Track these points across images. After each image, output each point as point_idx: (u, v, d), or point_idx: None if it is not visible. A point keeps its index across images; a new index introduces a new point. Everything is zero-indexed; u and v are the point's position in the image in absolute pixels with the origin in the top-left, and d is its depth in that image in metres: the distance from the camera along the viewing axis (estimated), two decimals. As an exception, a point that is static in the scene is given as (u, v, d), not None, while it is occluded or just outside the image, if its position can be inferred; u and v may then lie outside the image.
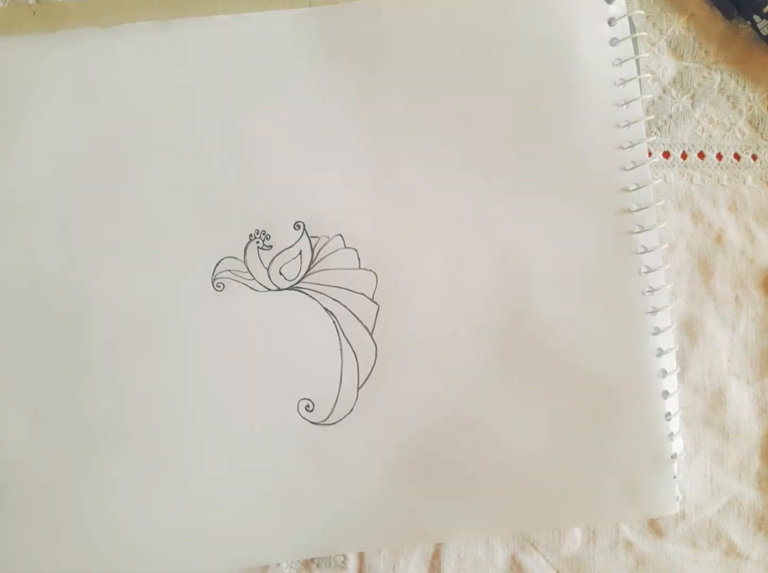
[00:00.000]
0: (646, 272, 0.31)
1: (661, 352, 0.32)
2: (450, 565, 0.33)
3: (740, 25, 0.35)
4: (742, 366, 0.35)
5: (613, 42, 0.32)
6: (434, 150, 0.31)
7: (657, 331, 0.32)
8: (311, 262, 0.30)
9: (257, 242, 0.30)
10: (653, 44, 0.34)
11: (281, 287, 0.30)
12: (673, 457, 0.32)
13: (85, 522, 0.30)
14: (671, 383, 0.32)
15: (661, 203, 0.32)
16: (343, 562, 0.32)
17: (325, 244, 0.30)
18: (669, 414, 0.32)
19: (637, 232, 0.31)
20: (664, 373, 0.32)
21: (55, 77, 0.30)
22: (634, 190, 0.31)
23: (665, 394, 0.31)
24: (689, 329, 0.34)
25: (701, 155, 0.35)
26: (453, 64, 0.31)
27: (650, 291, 0.32)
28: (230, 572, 0.31)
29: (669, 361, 0.32)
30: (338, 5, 0.31)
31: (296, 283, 0.30)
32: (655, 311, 0.31)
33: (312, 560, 0.32)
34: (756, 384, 0.35)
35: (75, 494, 0.30)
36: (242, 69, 0.30)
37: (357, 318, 0.30)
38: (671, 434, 0.31)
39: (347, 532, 0.31)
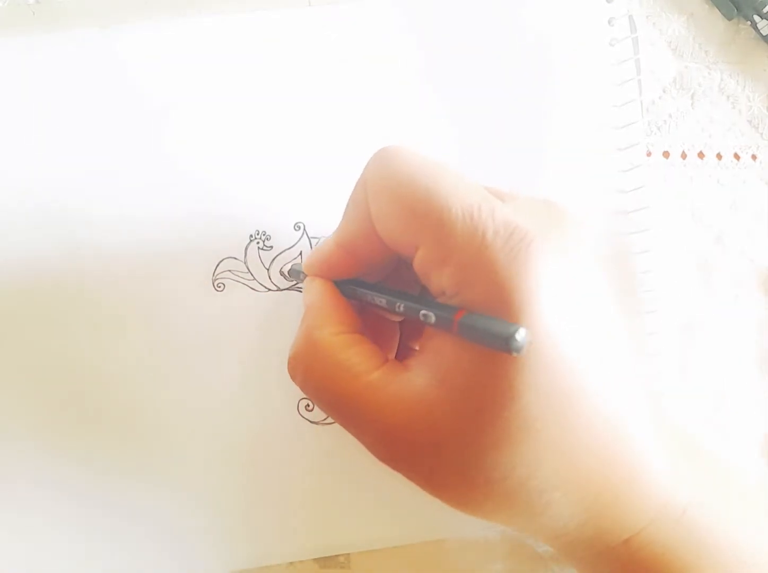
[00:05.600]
0: (643, 273, 0.32)
1: (656, 353, 0.32)
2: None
3: (740, 25, 0.35)
4: (742, 366, 0.35)
5: (613, 42, 0.32)
6: (434, 150, 0.31)
7: (654, 332, 0.32)
8: (311, 262, 0.30)
9: (257, 243, 0.30)
10: (653, 44, 0.34)
11: (281, 287, 0.30)
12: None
13: (87, 517, 0.30)
14: (667, 384, 0.32)
15: (659, 204, 0.32)
16: (344, 562, 0.32)
17: (325, 245, 0.30)
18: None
19: (635, 233, 0.32)
20: (659, 373, 0.32)
21: (54, 77, 0.30)
22: (631, 191, 0.32)
23: (661, 394, 0.32)
24: (689, 329, 0.34)
25: (701, 155, 0.35)
26: (451, 64, 0.31)
27: (647, 291, 0.32)
28: (229, 572, 0.31)
29: (665, 362, 0.32)
30: (338, 5, 0.31)
31: (296, 284, 0.30)
32: (651, 312, 0.32)
33: (313, 560, 0.32)
34: (756, 384, 0.35)
35: (75, 493, 0.30)
36: (242, 69, 0.30)
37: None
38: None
39: (348, 532, 0.31)
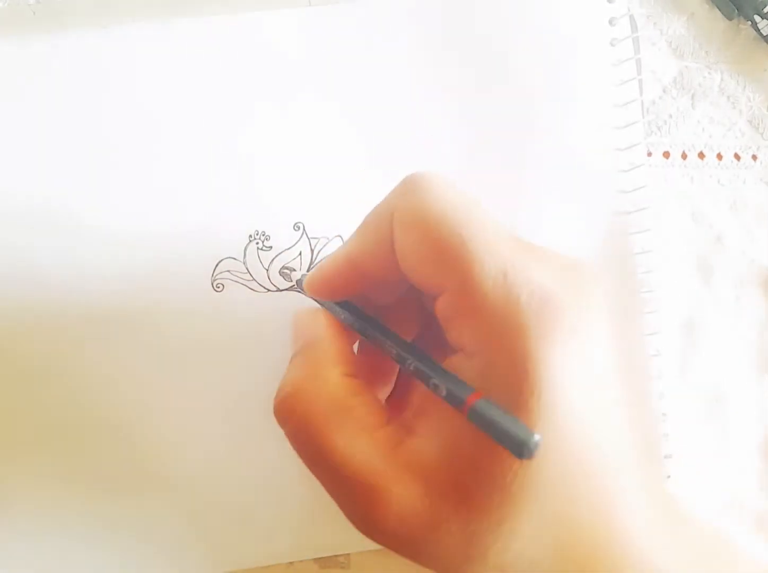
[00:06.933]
0: (643, 273, 0.32)
1: (658, 353, 0.32)
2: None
3: (740, 25, 0.35)
4: (741, 366, 0.35)
5: (614, 42, 0.31)
6: (434, 151, 0.31)
7: (653, 332, 0.32)
8: (311, 263, 0.30)
9: (257, 243, 0.30)
10: (653, 44, 0.34)
11: (281, 288, 0.30)
12: (668, 457, 0.32)
13: (85, 517, 0.30)
14: (667, 384, 0.32)
15: (659, 204, 0.32)
16: (343, 562, 0.32)
17: (324, 245, 0.30)
18: (664, 414, 0.32)
19: (635, 233, 0.31)
20: (660, 373, 0.32)
21: (54, 77, 0.29)
22: (631, 191, 0.32)
23: (661, 395, 0.32)
24: (689, 329, 0.34)
25: (701, 155, 0.35)
26: (452, 64, 0.31)
27: (647, 291, 0.32)
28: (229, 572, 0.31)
29: (666, 362, 0.32)
30: (338, 4, 0.31)
31: (296, 285, 0.30)
32: (651, 312, 0.32)
33: (313, 560, 0.32)
34: (756, 384, 0.35)
35: (72, 493, 0.30)
36: (242, 69, 0.30)
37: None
38: (666, 435, 0.32)
39: (348, 532, 0.31)
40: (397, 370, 0.26)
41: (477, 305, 0.19)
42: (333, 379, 0.21)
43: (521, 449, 0.17)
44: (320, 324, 0.23)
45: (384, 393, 0.26)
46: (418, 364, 0.21)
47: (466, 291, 0.19)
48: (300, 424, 0.21)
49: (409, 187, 0.21)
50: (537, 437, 0.17)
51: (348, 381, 0.21)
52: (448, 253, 0.20)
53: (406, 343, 0.22)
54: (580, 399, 0.19)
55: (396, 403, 0.24)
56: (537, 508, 0.19)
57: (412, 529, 0.20)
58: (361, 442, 0.20)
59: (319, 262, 0.30)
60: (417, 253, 0.21)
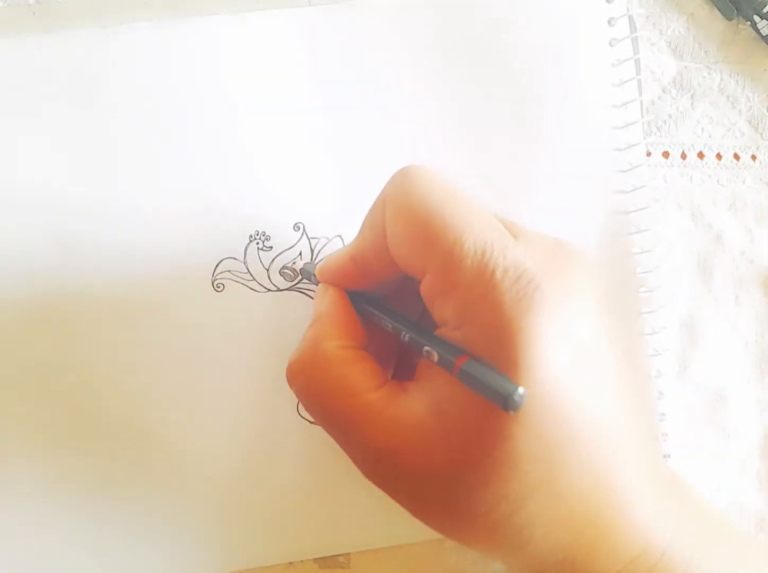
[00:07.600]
0: (642, 273, 0.32)
1: (656, 353, 0.32)
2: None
3: (740, 25, 0.35)
4: (741, 366, 0.35)
5: (613, 42, 0.32)
6: (433, 151, 0.31)
7: (653, 332, 0.32)
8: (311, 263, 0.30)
9: (257, 243, 0.30)
10: (653, 44, 0.34)
11: (281, 288, 0.30)
12: (666, 457, 0.32)
13: (87, 517, 0.30)
14: (666, 384, 0.32)
15: (659, 204, 0.32)
16: (343, 562, 0.32)
17: (324, 245, 0.30)
18: (663, 414, 0.32)
19: (634, 233, 0.32)
20: (659, 373, 0.32)
21: (54, 77, 0.29)
22: (630, 191, 0.32)
23: (660, 394, 0.32)
24: (689, 329, 0.34)
25: (701, 155, 0.35)
26: (451, 64, 0.31)
27: (647, 291, 0.32)
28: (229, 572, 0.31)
29: (664, 362, 0.32)
30: (338, 4, 0.31)
31: (296, 284, 0.30)
32: (651, 312, 0.32)
33: (313, 560, 0.32)
34: (756, 384, 0.35)
35: (74, 492, 0.30)
36: (242, 69, 0.30)
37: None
38: (665, 434, 0.32)
39: (348, 532, 0.31)
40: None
41: (456, 283, 0.20)
42: (328, 351, 0.23)
43: (507, 402, 0.18)
44: (324, 301, 0.25)
45: (388, 362, 0.27)
46: (412, 334, 0.22)
47: (448, 270, 0.20)
48: (301, 388, 0.24)
49: (397, 180, 0.23)
50: (521, 390, 0.18)
51: (342, 353, 0.23)
52: (431, 235, 0.21)
53: (400, 316, 0.24)
54: (565, 371, 0.20)
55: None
56: (523, 473, 0.19)
57: (401, 479, 0.21)
58: (351, 404, 0.22)
59: (320, 261, 0.30)
60: (404, 238, 0.22)
